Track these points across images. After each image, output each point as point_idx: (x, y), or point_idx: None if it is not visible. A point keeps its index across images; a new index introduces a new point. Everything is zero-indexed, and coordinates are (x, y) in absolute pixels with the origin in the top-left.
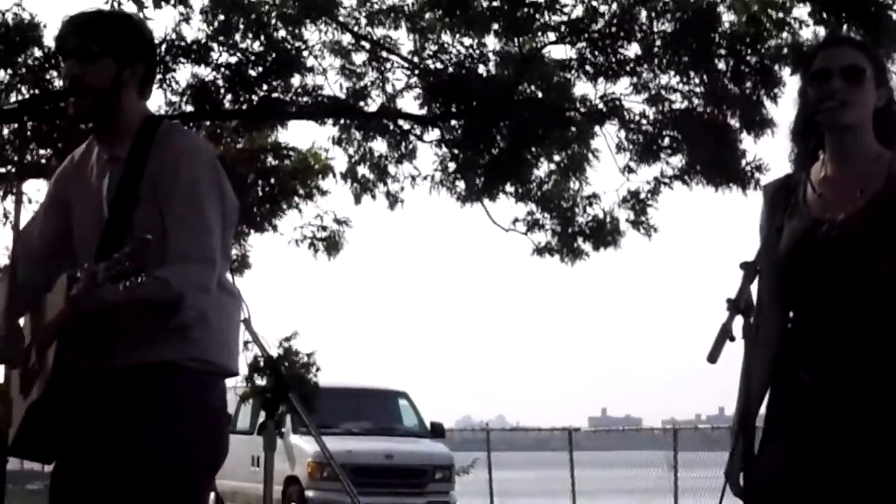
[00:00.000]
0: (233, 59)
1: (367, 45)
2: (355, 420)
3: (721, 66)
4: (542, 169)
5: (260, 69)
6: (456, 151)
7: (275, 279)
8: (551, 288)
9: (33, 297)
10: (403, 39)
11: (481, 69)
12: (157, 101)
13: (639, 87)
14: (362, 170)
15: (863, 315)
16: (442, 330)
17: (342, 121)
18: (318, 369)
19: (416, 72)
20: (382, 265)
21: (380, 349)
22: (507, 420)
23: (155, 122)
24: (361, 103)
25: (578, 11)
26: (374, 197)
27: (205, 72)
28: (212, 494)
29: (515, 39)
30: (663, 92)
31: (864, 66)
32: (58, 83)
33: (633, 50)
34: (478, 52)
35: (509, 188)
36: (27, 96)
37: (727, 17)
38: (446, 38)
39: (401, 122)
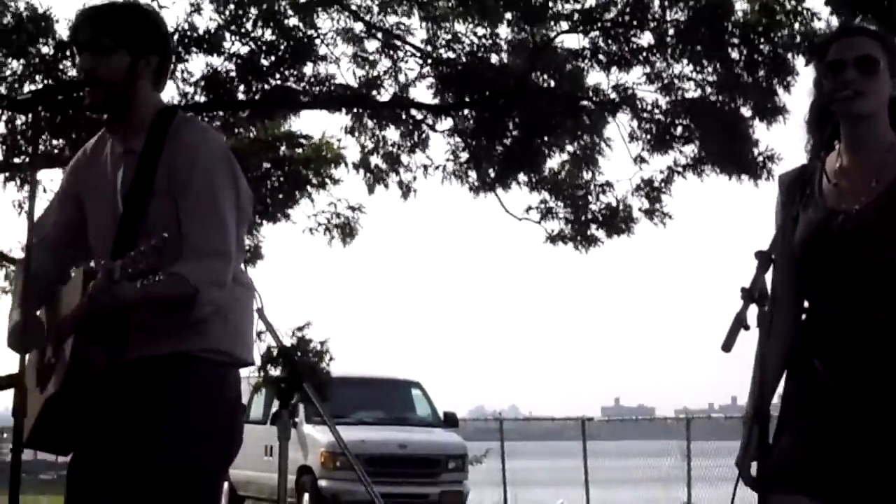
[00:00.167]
0: (245, 49)
1: (380, 35)
2: (369, 410)
3: (734, 55)
4: (555, 158)
5: (272, 58)
6: (469, 141)
7: (287, 269)
8: (564, 277)
9: (47, 289)
10: (416, 27)
11: (494, 58)
12: (169, 92)
13: (652, 76)
14: (375, 160)
15: (877, 305)
16: (455, 319)
17: (355, 110)
18: (330, 359)
19: (429, 61)
20: (395, 255)
21: (393, 339)
22: (520, 410)
23: (169, 114)
24: (374, 92)
25: (591, 0)
26: (386, 186)
27: (217, 62)
28: (225, 484)
29: (528, 28)
30: (676, 81)
31: (879, 56)
32: (71, 73)
33: (646, 39)
34: (491, 41)
35: (522, 177)
36: (41, 87)
37: (740, 7)
38: (459, 27)
39: (413, 111)
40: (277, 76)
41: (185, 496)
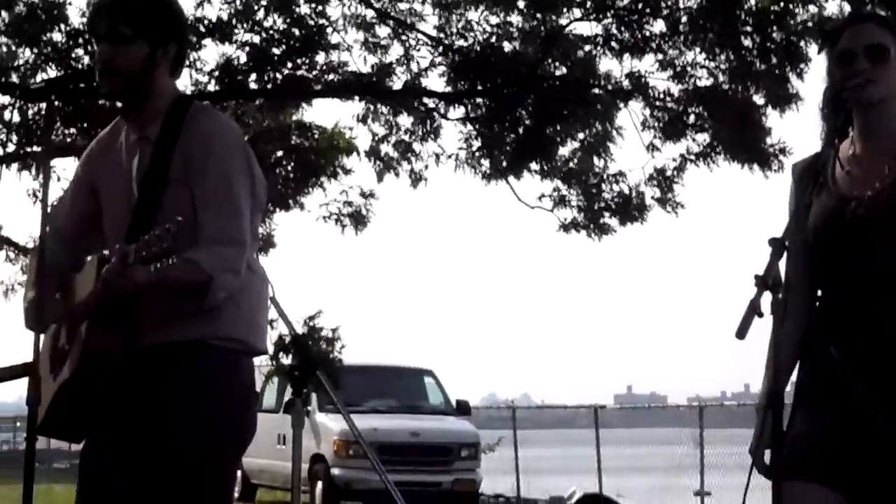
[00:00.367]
0: (256, 38)
1: (391, 22)
2: (381, 398)
3: (747, 42)
4: (568, 146)
5: (284, 47)
6: (481, 129)
7: (300, 258)
8: (576, 265)
9: (62, 278)
10: (428, 13)
11: (507, 46)
12: (182, 81)
13: (664, 63)
14: (386, 148)
15: (887, 292)
16: (467, 308)
17: (367, 98)
18: (342, 347)
19: (441, 49)
20: (408, 244)
21: (406, 328)
22: (532, 398)
23: (185, 102)
24: (386, 80)
25: None
26: (397, 175)
27: (229, 50)
28: (237, 472)
29: (540, 16)
30: (689, 69)
31: (889, 43)
32: (85, 62)
33: (658, 26)
34: (503, 29)
35: (534, 166)
36: (54, 76)
37: None
38: (472, 14)
39: (426, 99)
40: (289, 65)
41: (196, 482)
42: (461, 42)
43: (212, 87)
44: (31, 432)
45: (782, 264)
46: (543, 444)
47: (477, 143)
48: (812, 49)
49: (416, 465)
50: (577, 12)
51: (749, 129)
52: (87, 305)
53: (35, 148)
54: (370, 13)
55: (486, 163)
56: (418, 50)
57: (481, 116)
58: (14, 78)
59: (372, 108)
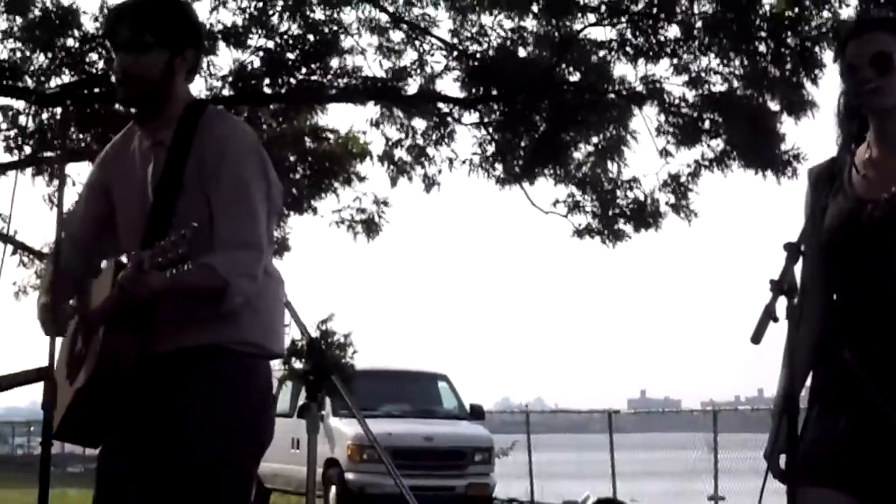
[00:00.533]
0: (270, 44)
1: (405, 27)
2: (395, 402)
3: (761, 48)
4: (581, 151)
5: (298, 52)
6: (495, 134)
7: (313, 261)
8: (589, 270)
9: (76, 282)
10: (442, 18)
11: (521, 51)
12: (196, 87)
13: (679, 68)
14: (399, 152)
15: None
16: (481, 312)
17: (381, 102)
18: (354, 351)
19: (455, 53)
20: (421, 248)
21: (420, 332)
22: (546, 402)
23: (199, 107)
24: (400, 84)
25: None
26: (410, 179)
27: (243, 56)
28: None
29: (555, 21)
30: (703, 75)
31: (893, 49)
32: (99, 66)
33: (673, 31)
34: (517, 34)
35: (548, 170)
36: (67, 80)
37: None
38: (486, 19)
39: (440, 104)
40: (304, 70)
41: (212, 488)
42: (475, 47)
43: (226, 92)
44: (46, 437)
45: (798, 269)
46: (557, 449)
47: (491, 148)
48: (826, 55)
49: (430, 470)
50: (592, 17)
51: (763, 136)
52: (103, 311)
53: (49, 153)
54: (384, 17)
55: (499, 167)
56: (432, 54)
57: (495, 121)
58: (29, 83)
59: (386, 112)
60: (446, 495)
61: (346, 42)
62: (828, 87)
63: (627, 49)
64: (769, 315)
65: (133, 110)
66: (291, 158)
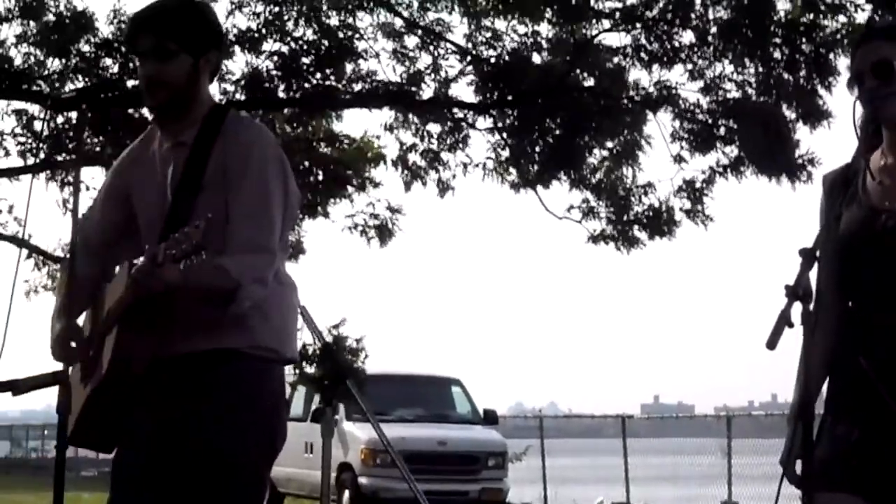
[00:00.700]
0: (285, 48)
1: (419, 32)
2: (409, 407)
3: (776, 54)
4: (595, 156)
5: (312, 57)
6: (509, 138)
7: (327, 265)
8: (603, 275)
9: (92, 289)
10: (457, 23)
11: (535, 57)
12: (211, 91)
13: (694, 73)
14: (413, 157)
15: None
16: (495, 317)
17: (396, 107)
18: (366, 356)
19: (469, 58)
20: (435, 252)
21: (433, 337)
22: (559, 407)
23: (221, 110)
24: (415, 89)
25: None
26: (424, 184)
27: (257, 60)
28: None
29: (569, 27)
30: (718, 81)
31: (892, 56)
32: (113, 71)
33: (687, 37)
34: (531, 39)
35: (563, 175)
36: (82, 85)
37: (782, 5)
38: (500, 24)
39: (454, 109)
40: (318, 74)
41: (225, 492)
42: (490, 52)
43: (240, 97)
44: (61, 440)
45: (813, 275)
46: (570, 454)
47: (505, 153)
48: (841, 61)
49: (444, 474)
50: (606, 23)
51: (777, 142)
52: (116, 312)
53: (64, 157)
54: (399, 22)
55: (514, 172)
56: (447, 59)
57: (510, 126)
58: (43, 87)
59: (401, 116)
60: (460, 500)
61: (361, 47)
62: (842, 94)
63: (642, 55)
64: (784, 321)
65: (154, 114)
66: (306, 163)
